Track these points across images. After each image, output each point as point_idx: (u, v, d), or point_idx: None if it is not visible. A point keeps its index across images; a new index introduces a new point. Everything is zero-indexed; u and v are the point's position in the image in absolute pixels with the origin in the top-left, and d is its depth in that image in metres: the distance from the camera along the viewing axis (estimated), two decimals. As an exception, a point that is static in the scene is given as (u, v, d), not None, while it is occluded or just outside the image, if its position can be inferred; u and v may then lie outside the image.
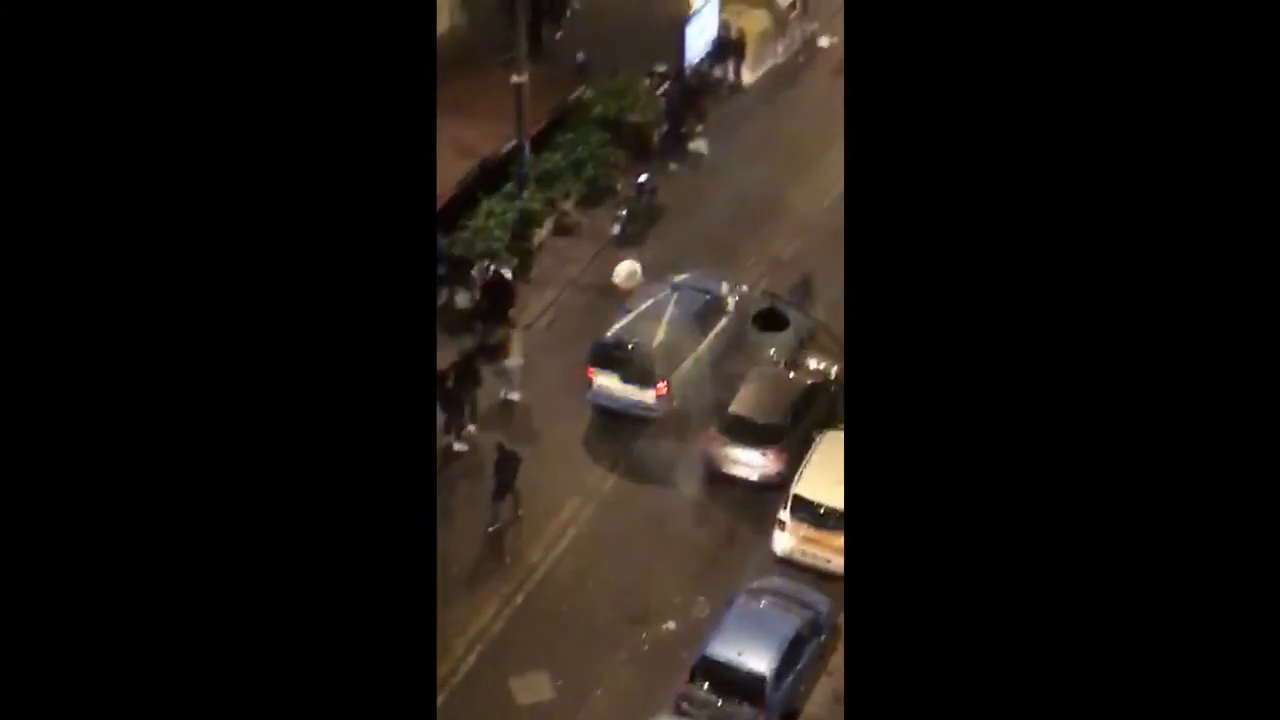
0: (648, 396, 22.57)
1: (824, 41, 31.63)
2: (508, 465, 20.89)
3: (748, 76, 30.25)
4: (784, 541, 20.42)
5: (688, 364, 23.09)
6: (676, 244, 26.03)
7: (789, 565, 20.30)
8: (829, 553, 19.96)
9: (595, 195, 26.72)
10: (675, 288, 23.80)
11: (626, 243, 25.96)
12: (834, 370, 22.56)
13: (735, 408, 21.91)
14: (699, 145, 28.16)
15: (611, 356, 22.73)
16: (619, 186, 26.89)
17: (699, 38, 29.17)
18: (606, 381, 22.71)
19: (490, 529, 20.86)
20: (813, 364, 22.81)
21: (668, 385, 22.65)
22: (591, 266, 25.76)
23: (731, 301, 24.30)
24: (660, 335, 22.90)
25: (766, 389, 22.23)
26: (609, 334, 23.07)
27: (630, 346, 22.73)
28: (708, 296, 23.93)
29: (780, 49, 30.98)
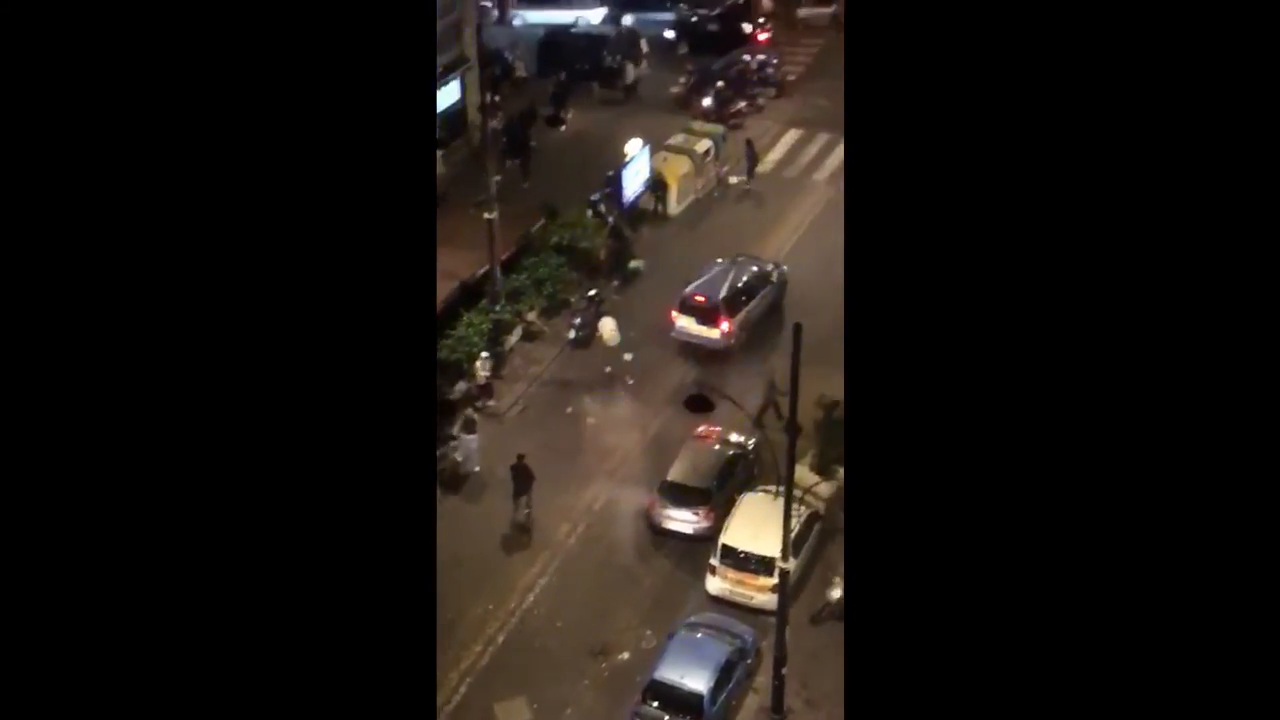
0: (715, 333, 24.86)
1: (732, 179, 32.04)
2: (522, 473, 21.81)
3: (673, 208, 30.66)
4: (715, 583, 20.60)
5: (743, 314, 25.38)
6: (621, 336, 26.27)
7: (720, 603, 20.46)
8: (752, 591, 20.24)
9: (554, 307, 26.92)
10: (734, 261, 26.36)
11: (580, 344, 26.18)
12: (750, 443, 22.86)
13: (672, 475, 22.04)
14: (637, 264, 28.55)
15: (689, 305, 25.07)
16: (573, 299, 27.10)
17: (635, 179, 29.66)
18: (685, 324, 25.25)
19: (517, 518, 21.97)
20: (733, 438, 23.11)
21: (731, 325, 24.92)
22: (553, 365, 25.85)
23: (775, 275, 26.71)
24: (724, 291, 25.25)
25: (697, 459, 22.43)
26: (688, 288, 25.36)
27: (703, 297, 25.09)
28: (756, 268, 26.38)
29: (699, 186, 31.35)
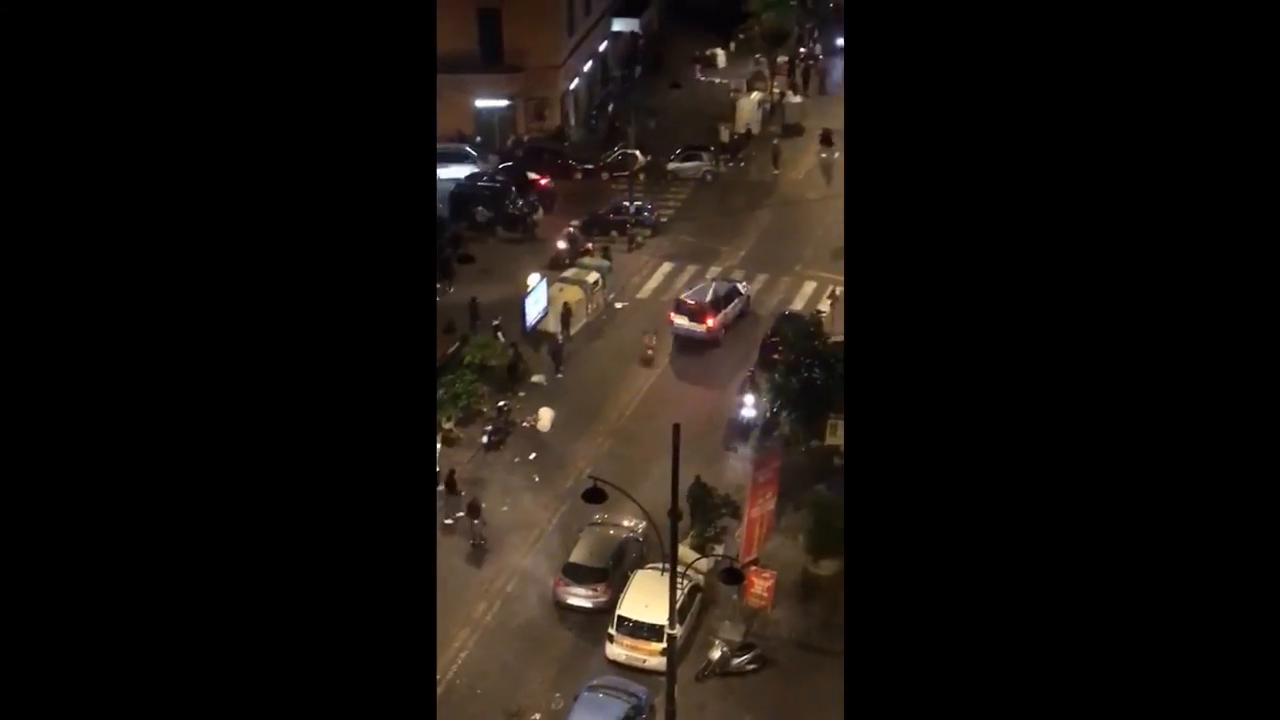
0: (702, 329, 29.82)
1: (619, 305, 32.66)
2: (476, 506, 23.57)
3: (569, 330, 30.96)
4: (613, 650, 20.80)
5: (721, 315, 30.25)
6: (527, 441, 26.66)
7: (618, 666, 20.63)
8: (645, 655, 20.43)
9: (469, 417, 27.00)
10: (714, 279, 31.92)
11: (492, 449, 26.33)
12: (640, 527, 23.10)
13: (574, 558, 22.23)
14: (538, 379, 28.86)
15: (683, 306, 30.14)
16: (485, 410, 27.21)
17: (534, 306, 30.22)
18: (680, 321, 30.12)
19: (474, 544, 23.28)
20: (626, 523, 23.37)
21: (715, 322, 29.83)
22: (469, 466, 25.87)
23: (744, 289, 31.90)
24: (709, 297, 30.24)
25: (595, 543, 22.67)
26: (682, 296, 30.68)
27: (693, 300, 30.13)
28: (730, 285, 31.56)
29: (589, 311, 31.82)
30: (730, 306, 30.93)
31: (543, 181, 38.46)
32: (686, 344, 30.21)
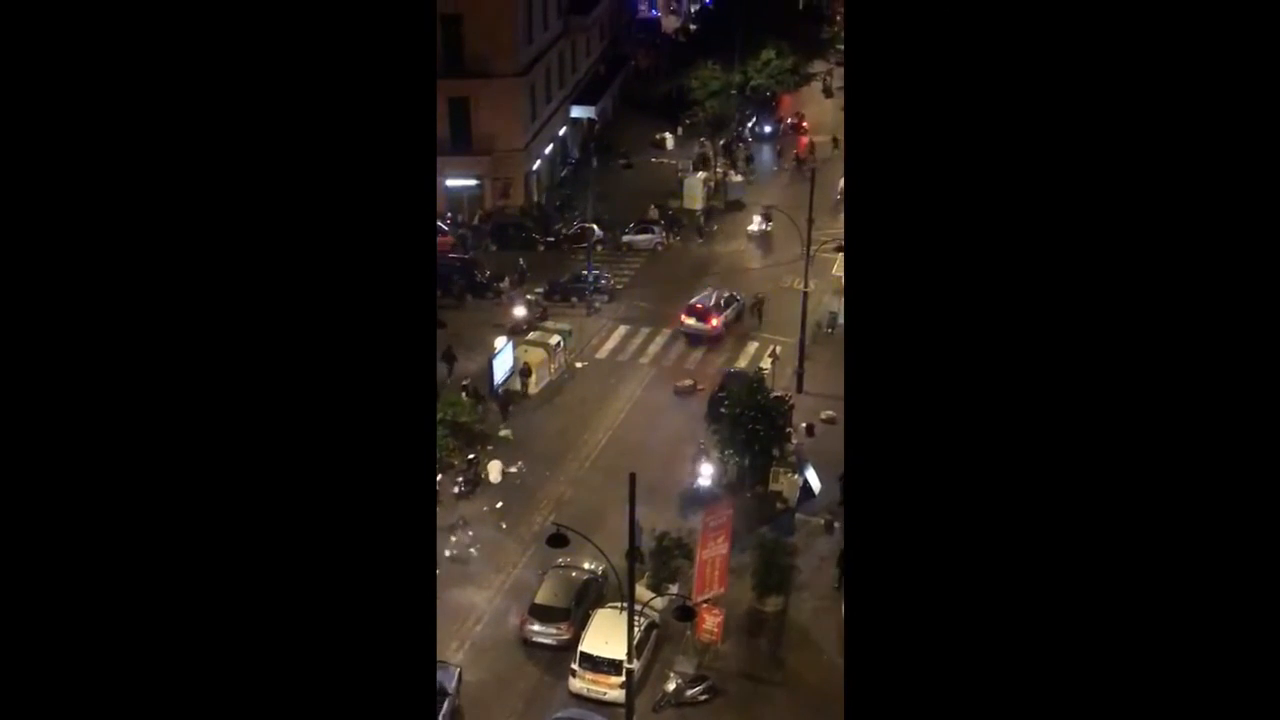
0: (706, 327, 33.52)
1: (579, 364, 32.77)
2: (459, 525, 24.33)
3: (533, 389, 31.20)
4: (576, 683, 20.80)
5: (722, 317, 34.08)
6: (496, 490, 26.64)
7: (580, 699, 20.58)
8: (605, 688, 20.45)
9: (441, 469, 26.75)
10: (715, 289, 35.22)
11: (463, 497, 26.25)
12: (600, 569, 23.12)
13: (538, 599, 22.27)
14: (506, 432, 28.97)
15: (692, 310, 33.86)
16: (456, 462, 27.18)
17: (501, 366, 30.36)
18: (690, 321, 33.79)
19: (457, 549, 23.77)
20: (587, 565, 23.41)
21: (717, 322, 33.65)
22: (440, 515, 25.49)
23: (737, 297, 35.06)
24: (713, 301, 34.21)
25: (558, 584, 22.73)
26: (692, 301, 34.41)
27: (700, 305, 33.93)
28: (729, 293, 35.08)
29: (552, 370, 31.96)
30: (729, 310, 34.48)
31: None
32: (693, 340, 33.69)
